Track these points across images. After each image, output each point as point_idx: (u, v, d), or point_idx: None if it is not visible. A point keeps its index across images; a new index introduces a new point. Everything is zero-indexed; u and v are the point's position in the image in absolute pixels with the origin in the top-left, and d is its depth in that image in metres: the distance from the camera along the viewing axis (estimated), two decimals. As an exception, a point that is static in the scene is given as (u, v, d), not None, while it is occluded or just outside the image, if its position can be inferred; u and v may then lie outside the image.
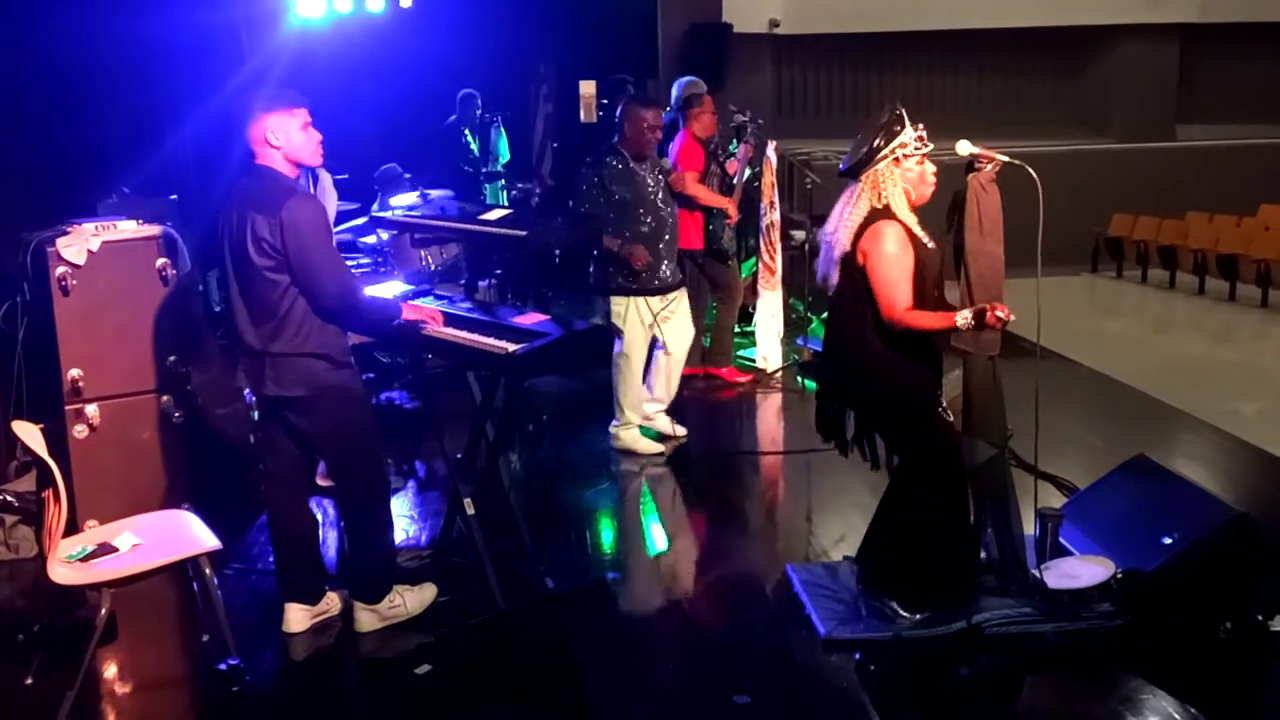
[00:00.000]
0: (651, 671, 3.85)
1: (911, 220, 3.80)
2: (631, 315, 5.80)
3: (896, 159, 3.77)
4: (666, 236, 5.79)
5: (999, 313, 3.64)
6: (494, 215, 4.70)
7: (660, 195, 5.79)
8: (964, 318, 3.69)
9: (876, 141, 3.76)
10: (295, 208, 3.68)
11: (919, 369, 3.88)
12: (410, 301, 4.26)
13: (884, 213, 3.77)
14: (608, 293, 5.84)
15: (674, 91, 8.05)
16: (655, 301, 5.83)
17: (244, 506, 5.11)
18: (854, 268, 3.81)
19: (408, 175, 7.82)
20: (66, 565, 3.48)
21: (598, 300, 9.09)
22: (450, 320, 4.10)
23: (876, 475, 4.19)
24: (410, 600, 4.11)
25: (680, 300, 6.00)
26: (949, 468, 3.93)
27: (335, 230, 5.89)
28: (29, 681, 3.70)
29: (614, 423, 6.03)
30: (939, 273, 3.85)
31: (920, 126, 3.81)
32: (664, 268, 5.78)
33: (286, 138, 3.79)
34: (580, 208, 5.72)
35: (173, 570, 3.70)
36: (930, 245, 3.84)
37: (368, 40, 9.87)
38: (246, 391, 5.47)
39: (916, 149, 3.79)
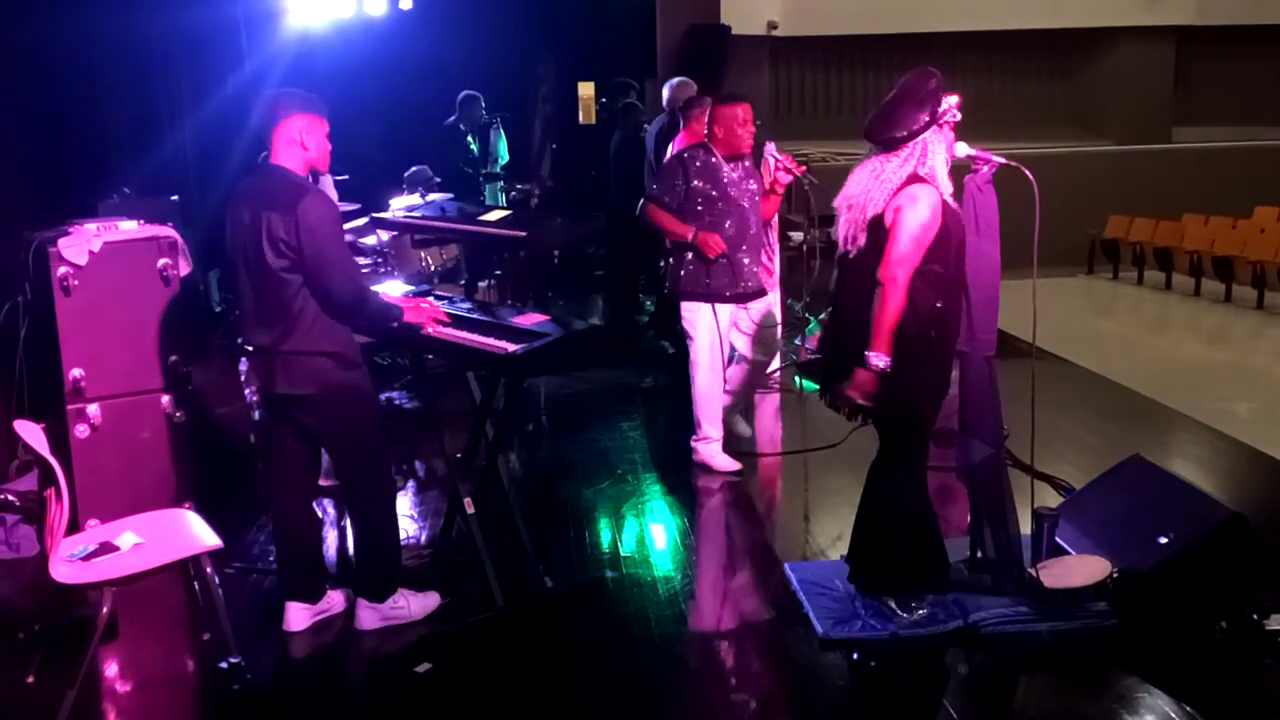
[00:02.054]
0: (649, 670, 3.86)
1: (948, 189, 3.77)
2: (702, 322, 5.53)
3: (940, 125, 3.75)
4: (747, 244, 5.47)
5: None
6: (493, 216, 4.73)
7: (748, 200, 5.49)
8: (882, 362, 3.66)
9: (930, 111, 3.71)
10: (311, 206, 3.70)
11: (940, 343, 3.83)
12: (411, 300, 4.27)
13: (925, 178, 3.72)
14: (679, 298, 5.57)
15: (664, 92, 8.07)
16: (729, 310, 5.54)
17: (245, 505, 5.13)
18: (882, 229, 3.72)
19: (438, 180, 7.89)
20: (68, 564, 3.49)
21: (597, 300, 9.04)
22: (450, 320, 4.12)
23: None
24: (414, 605, 4.12)
25: (761, 309, 5.82)
26: (926, 452, 3.98)
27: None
28: (30, 680, 3.72)
29: (693, 436, 5.76)
30: (962, 240, 3.82)
31: (954, 95, 3.79)
32: (743, 274, 5.47)
33: (315, 143, 3.84)
34: (656, 192, 5.55)
35: (174, 569, 3.71)
36: (959, 212, 3.82)
37: (368, 41, 9.90)
38: (247, 391, 5.49)
39: (955, 117, 3.79)
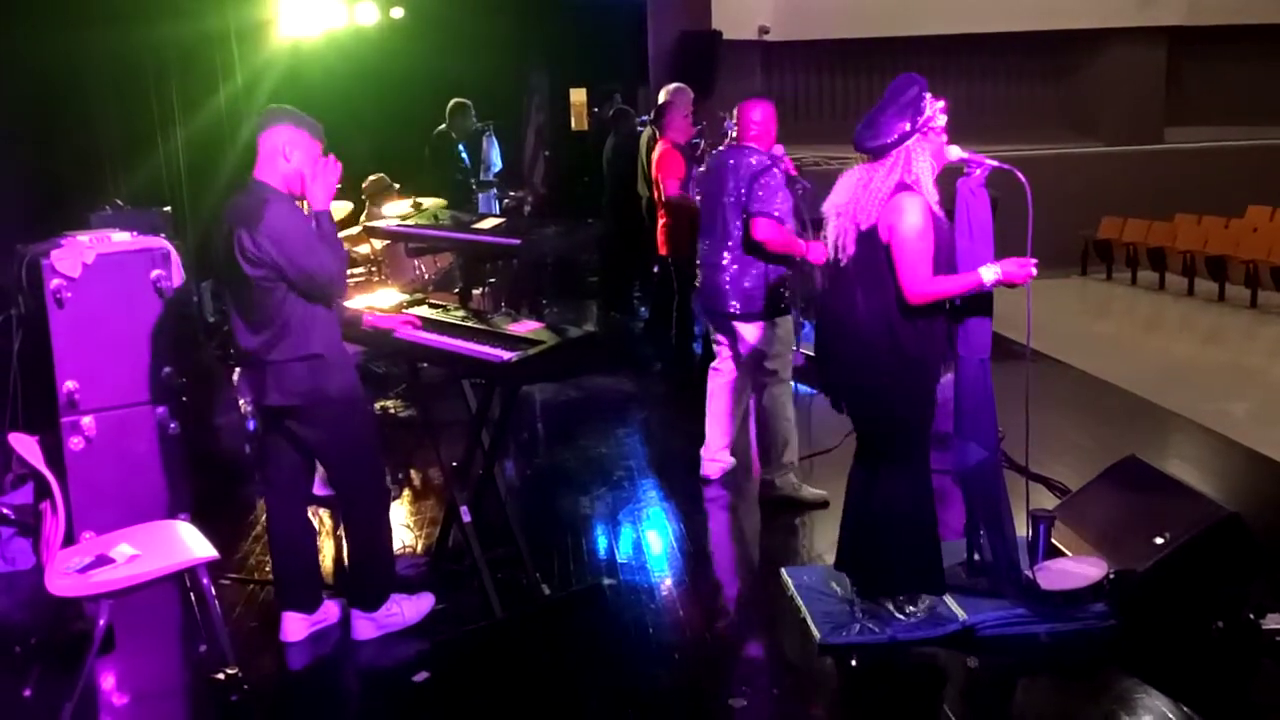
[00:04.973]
0: (647, 676, 3.86)
1: (934, 197, 3.77)
2: (789, 336, 5.11)
3: (924, 133, 3.76)
4: None
5: (1030, 269, 3.72)
6: (487, 224, 4.72)
7: None
8: (992, 272, 3.71)
9: (910, 120, 3.71)
10: (271, 216, 3.68)
11: (934, 344, 3.86)
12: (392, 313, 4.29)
13: (911, 187, 3.73)
14: (778, 313, 5.04)
15: (660, 98, 8.08)
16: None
17: (240, 516, 5.13)
18: (876, 241, 3.74)
19: (397, 186, 7.84)
20: (64, 577, 3.48)
21: (591, 307, 8.98)
22: (445, 328, 4.12)
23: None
24: (408, 609, 4.13)
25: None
26: (926, 447, 3.99)
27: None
28: (28, 693, 3.71)
29: (767, 471, 5.32)
30: (951, 251, 3.83)
31: (940, 99, 3.79)
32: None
33: (300, 159, 3.80)
34: (781, 210, 5.04)
35: (170, 581, 3.70)
36: (946, 223, 3.83)
37: (360, 51, 9.91)
38: (241, 402, 5.49)
39: (940, 123, 3.79)
